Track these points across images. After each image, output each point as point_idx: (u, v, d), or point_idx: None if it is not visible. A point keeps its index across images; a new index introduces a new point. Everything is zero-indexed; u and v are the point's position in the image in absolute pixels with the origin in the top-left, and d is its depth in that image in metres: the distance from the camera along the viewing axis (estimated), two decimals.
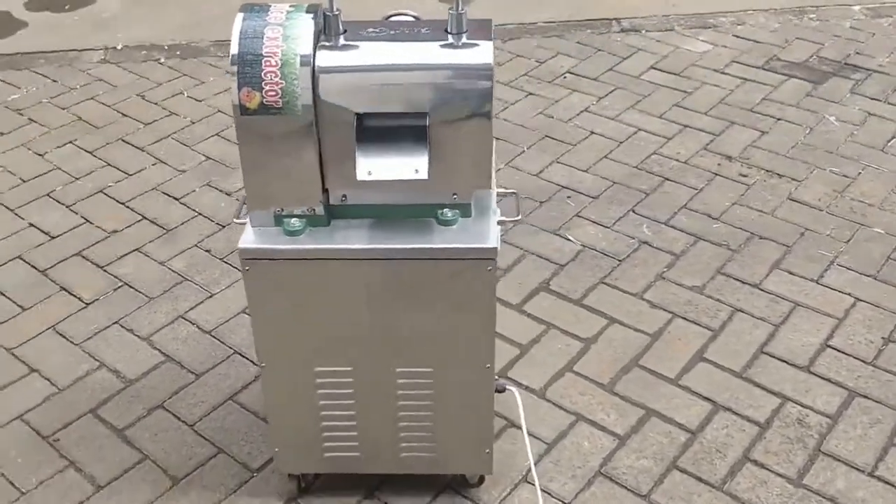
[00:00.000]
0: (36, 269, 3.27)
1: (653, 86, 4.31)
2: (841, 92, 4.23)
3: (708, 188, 3.61)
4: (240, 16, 1.91)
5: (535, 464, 2.51)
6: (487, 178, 2.02)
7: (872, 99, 4.17)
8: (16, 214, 3.55)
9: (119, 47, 4.78)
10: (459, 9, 1.93)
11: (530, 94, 4.27)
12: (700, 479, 2.48)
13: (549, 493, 2.45)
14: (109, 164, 3.84)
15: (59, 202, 3.62)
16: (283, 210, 2.02)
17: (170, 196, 3.64)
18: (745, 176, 3.67)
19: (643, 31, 4.80)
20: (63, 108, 4.24)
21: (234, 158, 3.49)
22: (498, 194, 2.19)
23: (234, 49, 1.87)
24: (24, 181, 3.75)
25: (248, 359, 2.87)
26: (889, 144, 3.85)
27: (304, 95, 1.87)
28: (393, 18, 2.08)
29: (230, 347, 2.92)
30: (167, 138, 4.01)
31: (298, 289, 2.05)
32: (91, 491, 2.50)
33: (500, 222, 2.07)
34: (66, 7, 5.31)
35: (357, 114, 1.92)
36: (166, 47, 4.78)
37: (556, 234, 3.38)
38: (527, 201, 3.53)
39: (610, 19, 4.92)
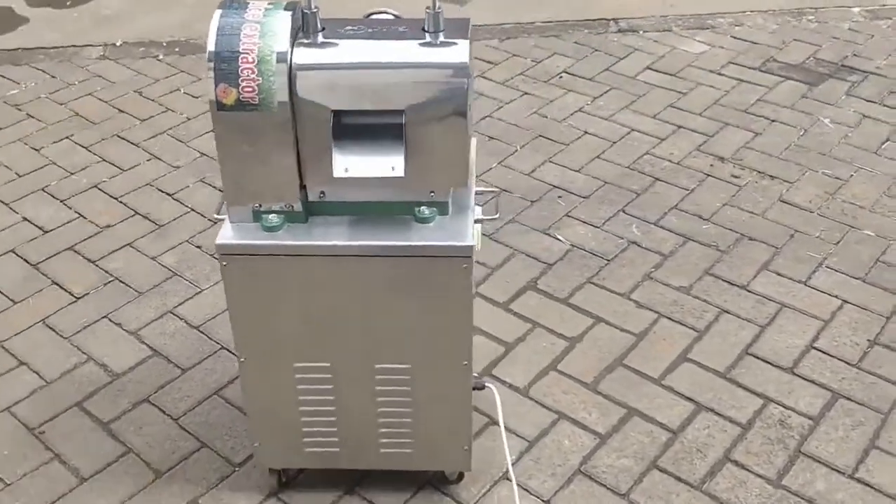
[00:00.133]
0: (28, 262, 3.30)
1: (648, 86, 4.31)
2: (836, 94, 4.22)
3: (699, 189, 3.61)
4: (218, 12, 1.92)
5: (516, 461, 2.52)
6: (464, 177, 2.03)
7: (868, 101, 4.16)
8: (10, 209, 3.58)
9: (118, 44, 4.81)
10: (436, 7, 1.94)
11: (525, 93, 4.28)
12: (679, 479, 2.49)
13: (528, 491, 2.46)
14: (105, 160, 3.86)
15: (53, 197, 3.64)
16: (261, 206, 2.03)
17: (163, 192, 3.66)
18: (737, 177, 3.67)
19: (640, 32, 4.80)
20: (61, 104, 4.27)
21: None
22: (478, 192, 2.20)
23: (210, 45, 1.88)
24: (19, 176, 3.77)
25: (234, 354, 2.84)
26: (882, 147, 3.84)
27: (281, 92, 1.89)
28: (373, 17, 2.09)
29: (217, 343, 2.94)
30: (162, 134, 4.03)
31: (276, 285, 2.07)
32: (75, 483, 2.52)
33: (477, 220, 2.09)
34: (68, 3, 5.34)
35: (334, 111, 1.93)
36: (165, 44, 4.80)
37: (545, 233, 3.39)
38: (518, 200, 3.54)
39: (608, 19, 4.92)
